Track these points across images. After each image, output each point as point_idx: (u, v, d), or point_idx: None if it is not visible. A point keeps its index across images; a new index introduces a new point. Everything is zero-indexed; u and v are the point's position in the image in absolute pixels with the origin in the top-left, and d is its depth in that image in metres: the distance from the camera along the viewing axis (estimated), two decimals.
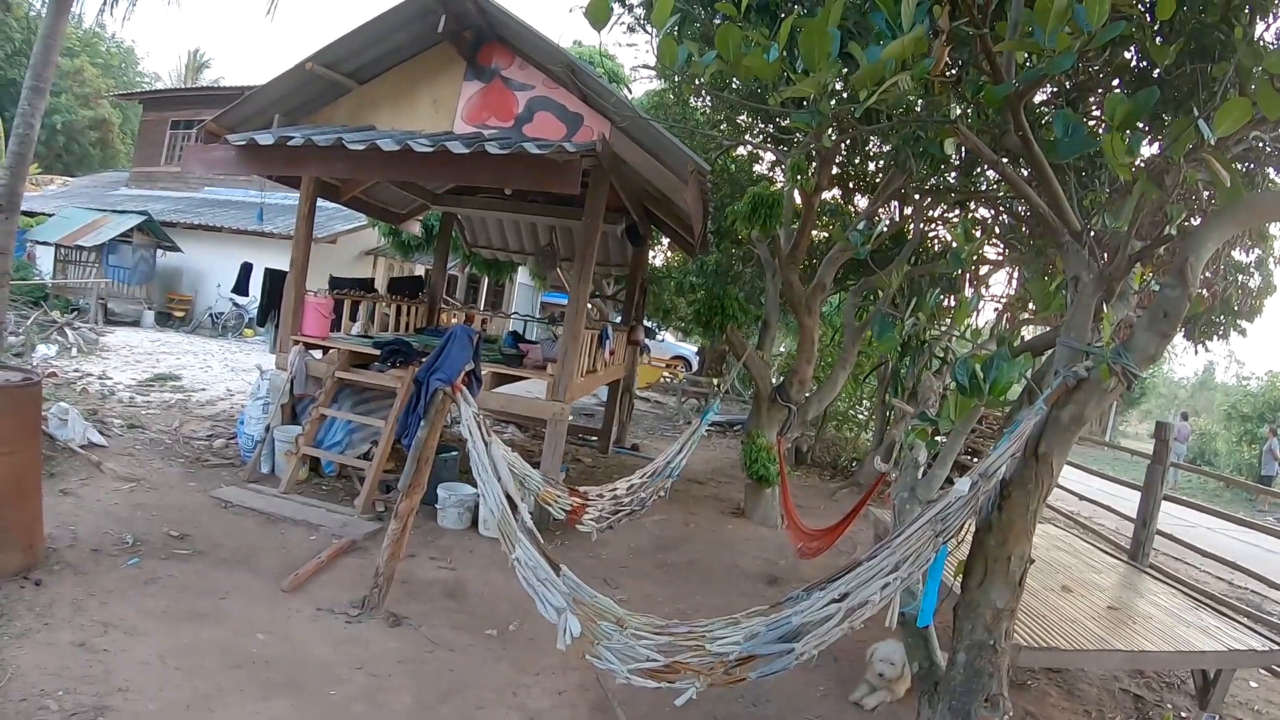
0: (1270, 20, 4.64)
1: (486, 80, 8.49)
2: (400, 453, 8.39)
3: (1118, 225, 4.12)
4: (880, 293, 10.81)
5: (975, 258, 10.15)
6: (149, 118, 28.17)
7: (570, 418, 8.92)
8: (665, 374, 26.27)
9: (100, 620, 5.07)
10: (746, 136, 11.72)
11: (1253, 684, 7.50)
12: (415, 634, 5.72)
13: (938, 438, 5.09)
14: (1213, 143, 3.27)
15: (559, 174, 7.22)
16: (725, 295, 10.19)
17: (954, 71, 5.09)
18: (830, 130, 4.59)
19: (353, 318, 10.32)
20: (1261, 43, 3.81)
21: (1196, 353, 23.23)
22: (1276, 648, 6.01)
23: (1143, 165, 3.49)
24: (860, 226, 8.94)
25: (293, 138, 7.70)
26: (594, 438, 14.02)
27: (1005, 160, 4.48)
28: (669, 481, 7.00)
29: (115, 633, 4.97)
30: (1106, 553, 8.49)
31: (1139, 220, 3.97)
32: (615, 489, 6.70)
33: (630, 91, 17.89)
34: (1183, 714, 6.53)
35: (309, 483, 8.69)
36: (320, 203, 9.74)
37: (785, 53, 3.04)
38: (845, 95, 5.32)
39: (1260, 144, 6.06)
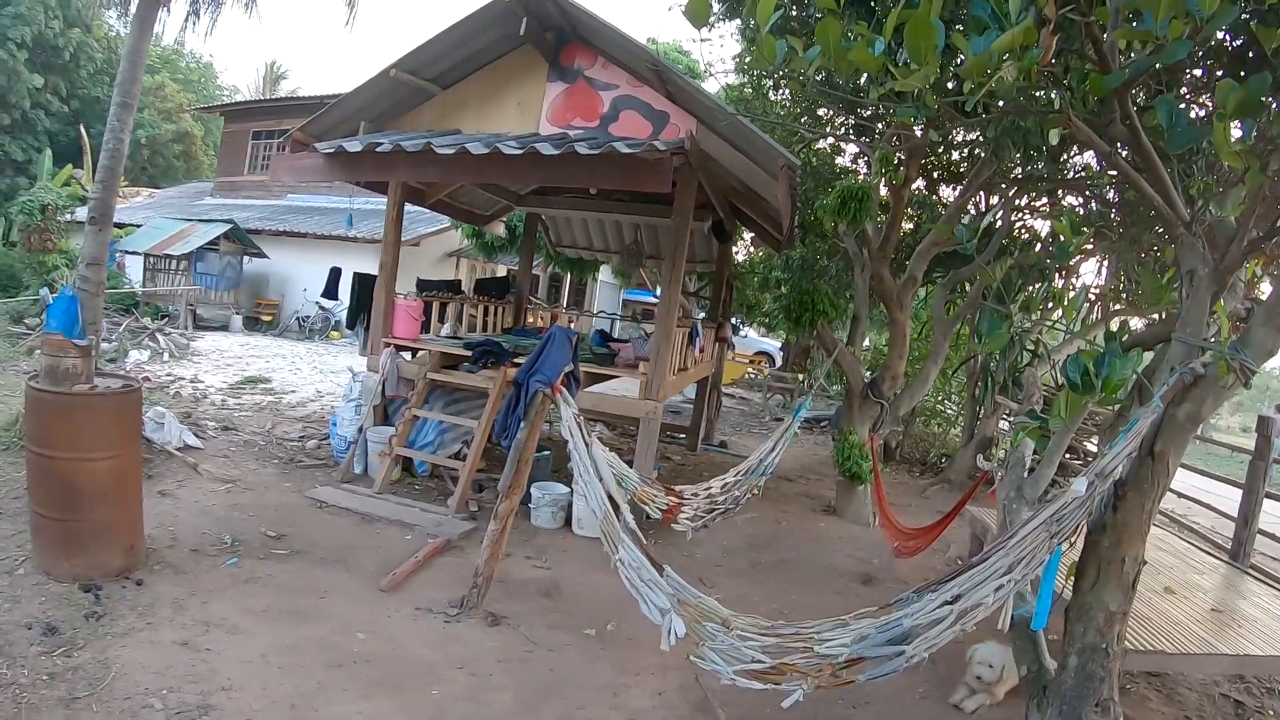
0: None
1: (570, 81, 8.52)
2: (491, 453, 8.48)
3: (1224, 215, 4.03)
4: (969, 285, 10.67)
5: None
6: (231, 129, 28.81)
7: None
8: (749, 370, 26.15)
9: (202, 619, 5.19)
10: (828, 129, 11.64)
11: None
12: (514, 633, 5.76)
13: (1044, 437, 4.99)
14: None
15: (649, 172, 7.23)
16: (815, 290, 10.12)
17: (1055, 60, 5.02)
18: (919, 123, 4.56)
19: (441, 319, 10.45)
20: None
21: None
22: None
23: (1250, 152, 3.37)
24: (965, 221, 8.82)
25: (381, 144, 7.78)
26: (682, 435, 14.06)
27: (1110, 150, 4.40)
28: (762, 480, 6.96)
29: (217, 632, 5.08)
30: (1207, 553, 8.28)
31: (1252, 211, 3.86)
32: (710, 488, 6.69)
33: (706, 87, 17.86)
34: None
35: (402, 483, 8.82)
36: (405, 206, 9.88)
37: (888, 46, 3.02)
38: (949, 87, 5.25)
39: None
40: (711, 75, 16.10)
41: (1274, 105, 3.89)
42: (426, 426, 8.91)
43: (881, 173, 9.40)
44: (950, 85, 5.25)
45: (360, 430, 8.97)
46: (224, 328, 20.63)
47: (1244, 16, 3.66)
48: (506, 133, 8.36)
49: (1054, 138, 4.29)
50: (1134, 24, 3.09)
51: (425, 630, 5.60)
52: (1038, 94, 4.72)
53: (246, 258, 22.24)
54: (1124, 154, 4.53)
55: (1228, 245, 3.92)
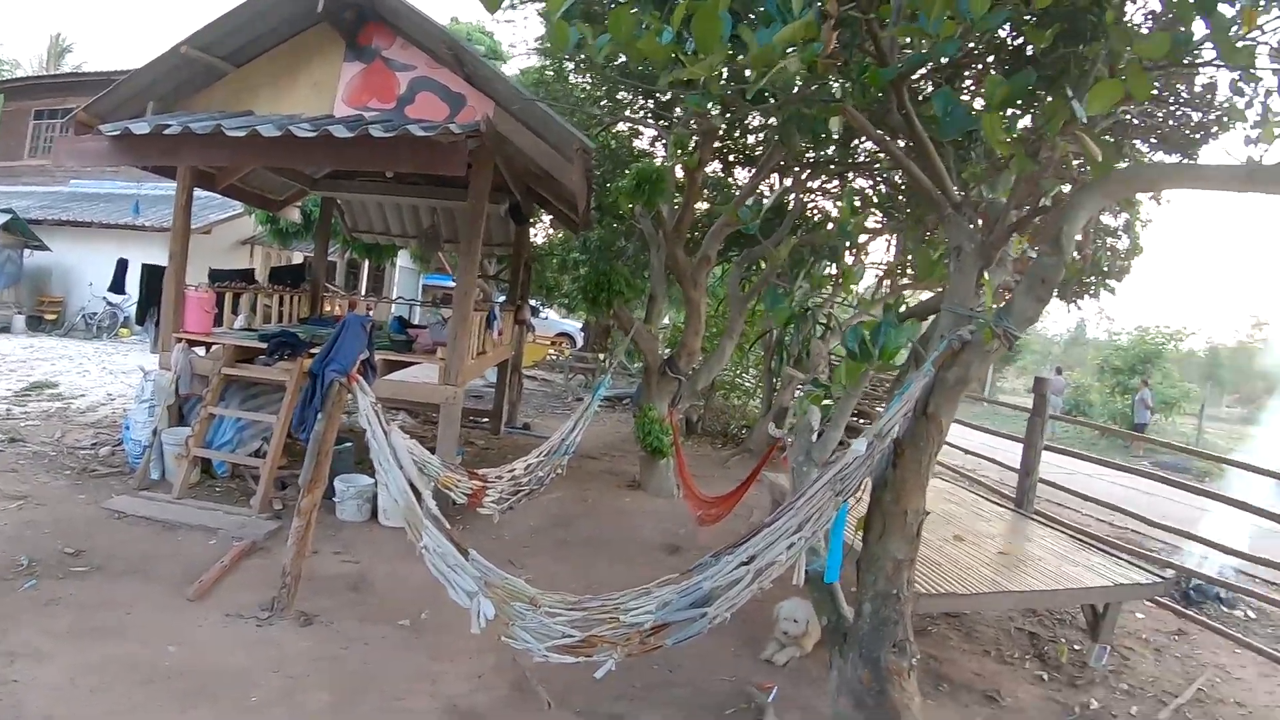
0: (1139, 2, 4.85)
1: (367, 61, 8.31)
2: (292, 448, 8.29)
3: (995, 197, 4.32)
4: (763, 264, 10.98)
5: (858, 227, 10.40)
6: (10, 108, 26.68)
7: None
8: (551, 351, 26.25)
9: (4, 650, 4.90)
10: (627, 113, 11.78)
11: (1139, 615, 7.93)
12: (327, 631, 5.68)
13: (828, 402, 5.24)
14: (1084, 121, 3.46)
15: (444, 156, 7.17)
16: (611, 271, 10.25)
17: (839, 52, 5.24)
18: (714, 108, 4.71)
19: (235, 311, 10.07)
20: (1131, 25, 4.00)
21: (1069, 311, 24.38)
22: (1159, 580, 6.40)
23: (1018, 140, 3.66)
24: (749, 202, 9.07)
25: (169, 126, 7.43)
26: (485, 419, 13.97)
27: (888, 137, 4.64)
28: (565, 459, 7.07)
29: (22, 661, 4.81)
30: (994, 502, 8.89)
31: (1016, 192, 4.16)
32: (513, 469, 6.75)
33: (507, 68, 17.76)
34: (1075, 646, 6.87)
35: (202, 485, 8.48)
36: (194, 191, 9.47)
37: (677, 35, 3.10)
38: (734, 76, 5.41)
39: (1128, 117, 6.35)
40: (515, 56, 16.07)
41: (1049, 98, 4.19)
42: (224, 425, 8.61)
43: (676, 156, 9.59)
44: (734, 75, 5.42)
45: (155, 433, 8.56)
46: (5, 329, 19.36)
47: (1026, 18, 3.95)
48: (301, 114, 8.07)
49: (835, 125, 4.51)
50: (912, 22, 3.27)
51: (237, 636, 5.46)
52: (822, 84, 4.92)
53: (27, 251, 20.72)
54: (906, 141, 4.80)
55: (995, 224, 4.21)
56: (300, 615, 5.81)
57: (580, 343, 28.20)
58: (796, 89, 4.32)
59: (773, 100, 4.43)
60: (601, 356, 22.58)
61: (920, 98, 6.36)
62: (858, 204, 9.97)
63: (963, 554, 6.47)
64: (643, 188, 8.82)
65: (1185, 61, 4.45)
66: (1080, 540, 7.40)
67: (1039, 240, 4.47)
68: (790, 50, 3.08)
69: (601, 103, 11.58)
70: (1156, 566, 7.46)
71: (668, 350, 11.14)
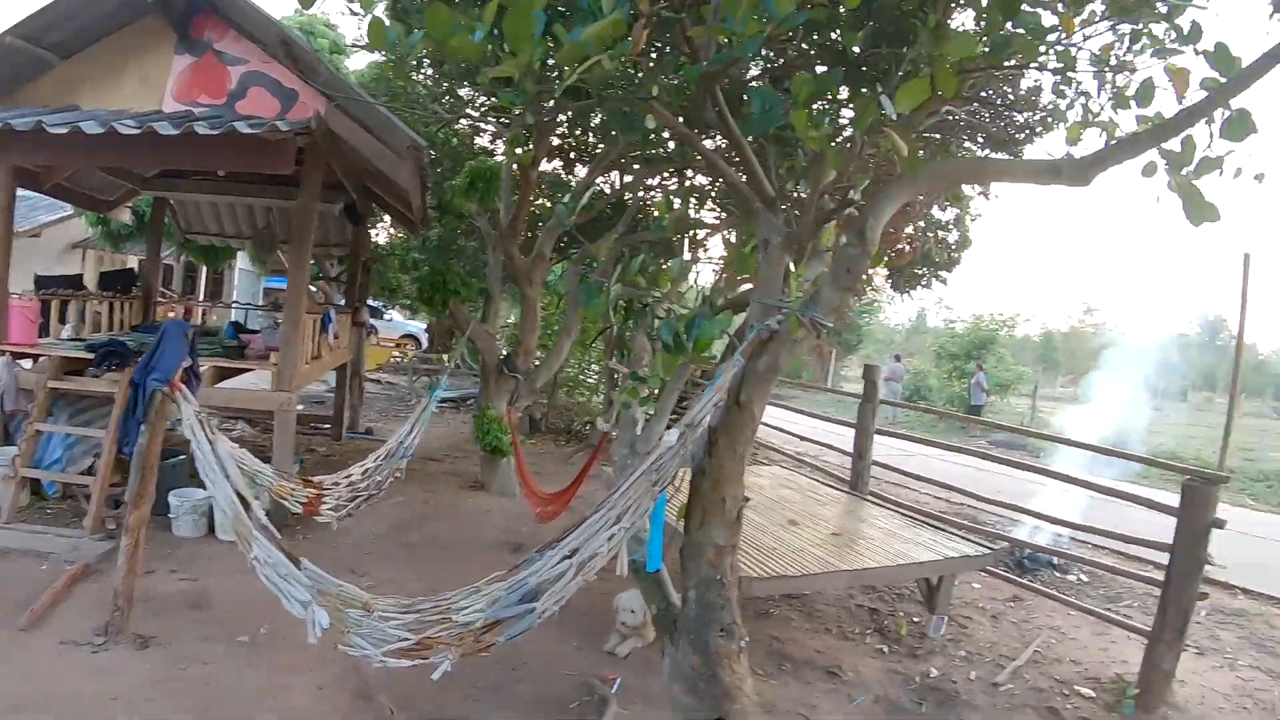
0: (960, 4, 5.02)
1: (198, 54, 8.02)
2: (126, 464, 8.01)
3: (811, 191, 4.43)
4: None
5: (689, 222, 10.49)
6: None
7: (301, 407, 8.70)
8: (395, 354, 25.84)
9: None
10: (469, 110, 11.67)
11: (975, 585, 8.25)
12: (166, 652, 5.50)
13: (649, 394, 5.30)
14: (894, 118, 3.58)
15: (271, 154, 7.01)
16: (447, 270, 10.18)
17: (656, 51, 5.31)
18: (548, 105, 4.70)
19: (62, 320, 9.62)
20: (943, 26, 4.15)
21: (903, 301, 25.22)
22: (987, 551, 6.68)
23: (826, 137, 3.76)
24: (566, 199, 9.09)
25: None
26: (327, 425, 13.65)
27: (699, 133, 4.72)
28: (403, 462, 6.97)
29: None
30: (831, 486, 9.13)
31: (826, 186, 4.29)
32: (350, 475, 6.64)
33: (352, 62, 17.42)
34: (915, 619, 7.11)
35: (32, 508, 7.99)
36: (21, 192, 9.00)
37: (492, 32, 3.09)
38: (551, 74, 5.42)
39: (955, 117, 6.57)
40: (359, 51, 15.79)
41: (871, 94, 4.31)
42: (53, 442, 8.20)
43: (512, 153, 9.56)
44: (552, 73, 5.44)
45: None
46: None
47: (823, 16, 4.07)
48: (128, 110, 7.73)
49: (650, 122, 4.55)
50: (722, 22, 3.32)
51: (74, 664, 5.24)
52: (639, 82, 4.97)
53: None
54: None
55: (802, 217, 4.32)
56: (137, 638, 5.61)
57: (425, 344, 27.87)
58: (612, 86, 4.38)
59: (588, 97, 4.45)
60: (445, 357, 22.38)
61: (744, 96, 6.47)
62: (676, 201, 10.05)
63: (796, 537, 6.64)
64: (477, 185, 8.79)
65: (1006, 64, 4.68)
66: (913, 518, 7.68)
67: (848, 233, 4.59)
68: (600, 48, 3.10)
69: (443, 99, 11.46)
70: (988, 539, 7.75)
71: (506, 349, 11.08)
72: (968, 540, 6.97)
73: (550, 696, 5.38)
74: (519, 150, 9.55)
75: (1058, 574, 8.98)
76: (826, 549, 6.38)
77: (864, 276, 4.20)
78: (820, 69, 5.94)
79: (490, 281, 10.92)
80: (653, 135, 7.88)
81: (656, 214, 11.14)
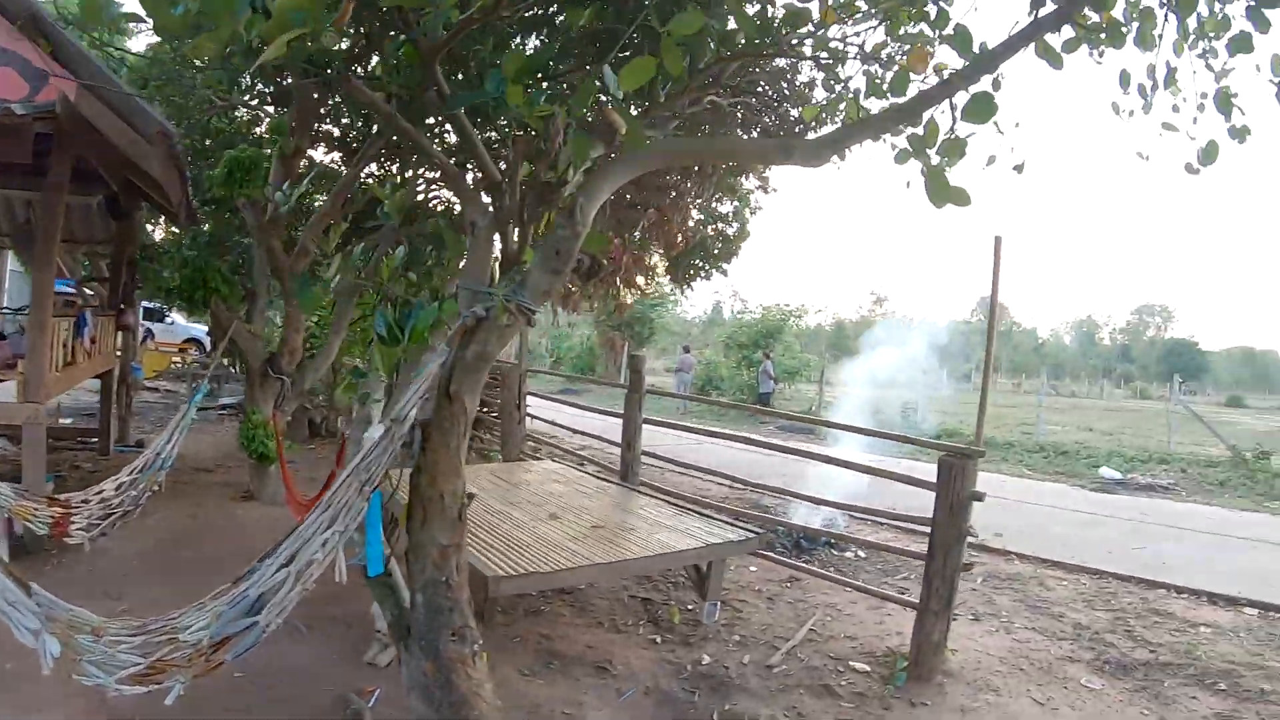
0: None
1: None
2: None
3: (553, 175, 4.29)
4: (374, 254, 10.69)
5: (421, 208, 10.27)
6: None
7: (68, 420, 8.07)
8: (176, 360, 24.64)
9: None
10: (246, 95, 11.12)
11: (752, 569, 8.28)
12: None
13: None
14: (619, 96, 3.48)
15: (8, 140, 6.51)
16: (208, 267, 9.67)
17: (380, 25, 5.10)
18: (246, 84, 4.49)
19: None
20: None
21: (685, 293, 25.72)
22: (751, 536, 6.66)
23: (540, 116, 3.66)
24: (285, 187, 8.72)
25: None
26: (94, 439, 12.69)
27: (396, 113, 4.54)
28: (162, 474, 6.51)
29: None
30: (601, 478, 9.00)
31: (540, 166, 4.16)
32: (102, 491, 6.14)
33: (134, 43, 16.33)
34: (689, 607, 7.06)
35: None
36: None
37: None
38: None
39: (729, 108, 6.54)
40: (140, 33, 14.81)
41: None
42: None
43: (274, 141, 9.14)
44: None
45: None
46: None
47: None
48: None
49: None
50: None
51: None
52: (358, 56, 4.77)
53: None
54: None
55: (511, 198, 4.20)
56: None
57: (210, 348, 26.52)
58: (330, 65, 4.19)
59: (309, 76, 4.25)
60: (226, 361, 21.45)
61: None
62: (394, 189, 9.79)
63: (555, 532, 6.48)
64: (235, 175, 8.35)
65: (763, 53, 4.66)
66: (680, 507, 7.62)
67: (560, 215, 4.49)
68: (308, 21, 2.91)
69: (219, 84, 10.87)
70: (762, 524, 7.89)
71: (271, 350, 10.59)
72: (733, 526, 6.96)
73: (307, 713, 5.10)
74: (279, 138, 9.15)
75: (835, 552, 9.15)
76: (584, 542, 6.24)
77: (606, 267, 4.10)
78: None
79: (256, 278, 10.41)
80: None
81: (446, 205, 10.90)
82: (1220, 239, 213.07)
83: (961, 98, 3.86)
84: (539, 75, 3.81)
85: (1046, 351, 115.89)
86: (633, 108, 5.10)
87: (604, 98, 3.91)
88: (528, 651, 6.03)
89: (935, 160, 3.97)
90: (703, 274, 13.85)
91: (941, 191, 3.82)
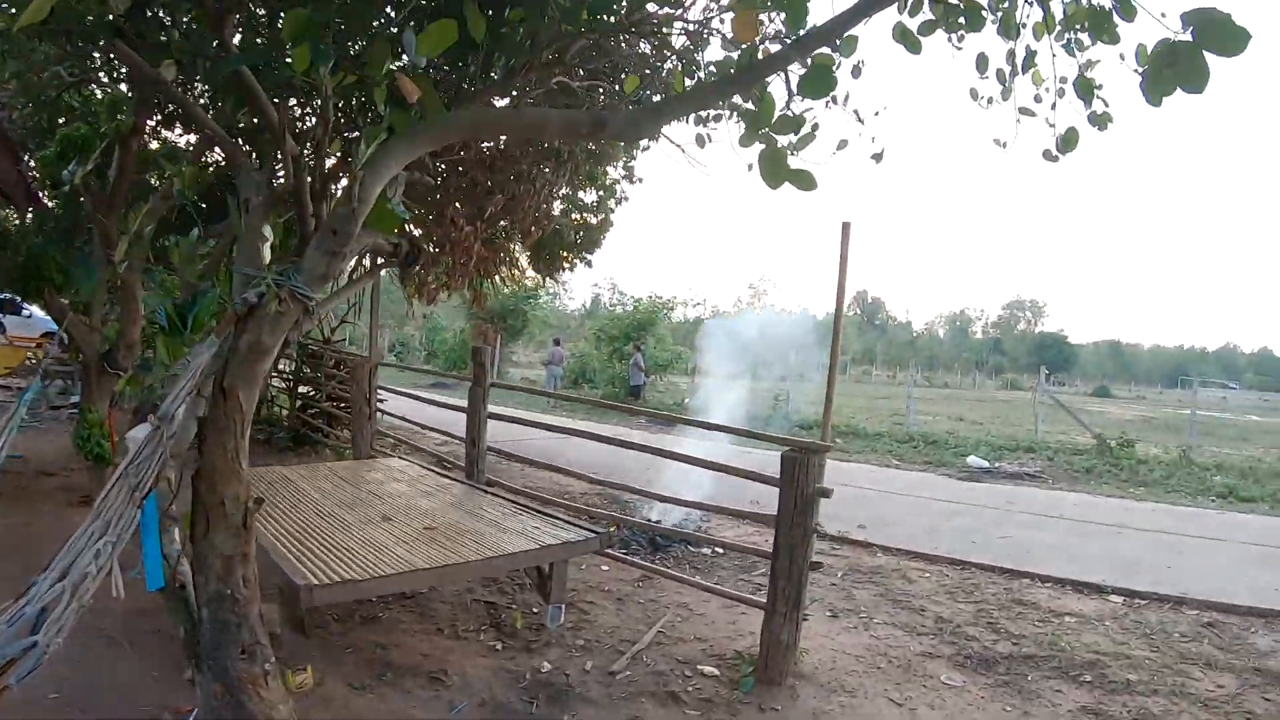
0: None
1: None
2: None
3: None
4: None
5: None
6: None
7: None
8: (30, 355, 23.32)
9: None
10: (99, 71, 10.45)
11: (604, 568, 7.99)
12: None
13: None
14: (417, 63, 3.21)
15: None
16: (43, 255, 9.02)
17: None
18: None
19: None
20: None
21: (544, 282, 25.64)
22: (591, 536, 6.30)
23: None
24: (73, 165, 8.18)
25: None
26: None
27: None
28: None
29: None
30: (448, 477, 8.49)
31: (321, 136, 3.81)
32: None
33: None
34: (534, 610, 6.73)
35: None
36: None
37: None
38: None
39: (580, 89, 6.26)
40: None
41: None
42: None
43: (109, 118, 8.56)
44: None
45: None
46: None
47: None
48: None
49: (167, 71, 3.99)
50: None
51: None
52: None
53: None
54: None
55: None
56: None
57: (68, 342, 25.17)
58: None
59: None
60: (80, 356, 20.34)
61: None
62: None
63: (385, 535, 6.04)
64: (68, 156, 7.78)
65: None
66: (521, 506, 7.21)
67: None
68: None
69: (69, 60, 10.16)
70: (614, 522, 7.82)
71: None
72: (574, 526, 6.58)
73: None
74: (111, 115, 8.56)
75: (692, 549, 8.89)
76: (413, 546, 5.79)
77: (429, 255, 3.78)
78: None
79: (94, 264, 9.77)
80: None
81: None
82: (1089, 236, 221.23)
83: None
84: (334, 40, 3.46)
85: (921, 345, 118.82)
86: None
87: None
88: (360, 662, 5.64)
89: (773, 139, 3.74)
90: (567, 264, 13.60)
91: (776, 171, 3.60)
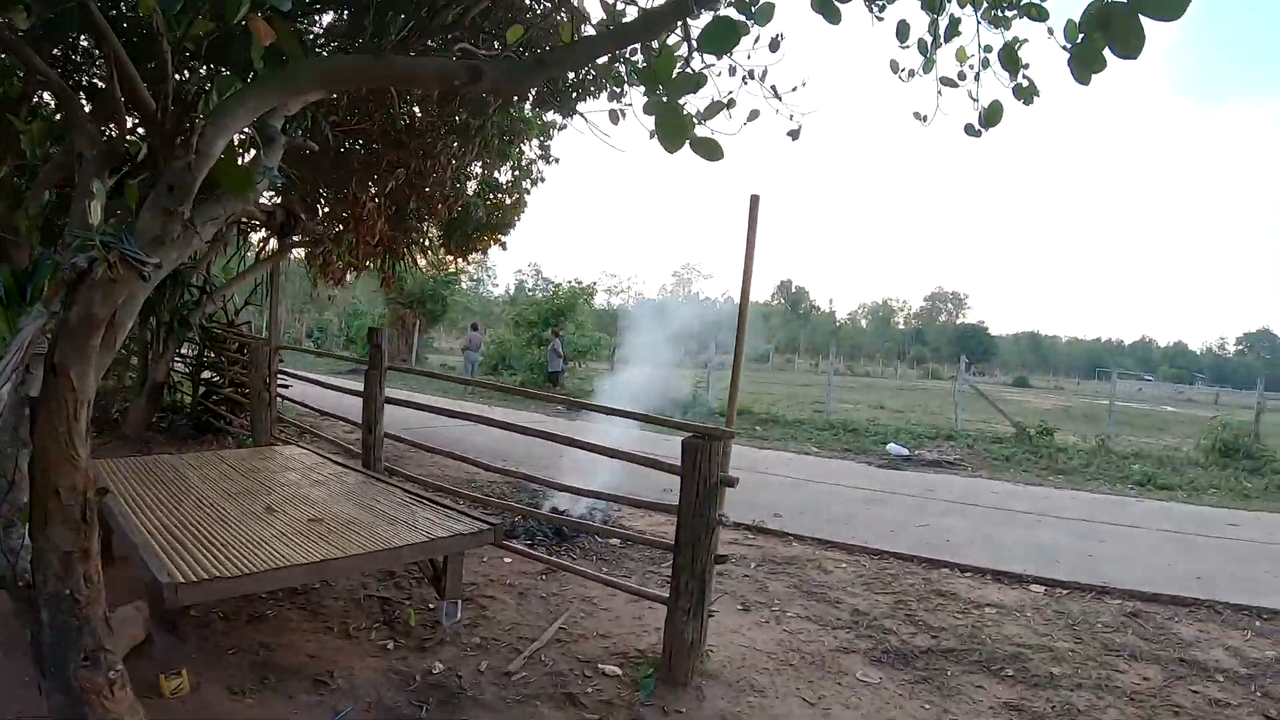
0: None
1: None
2: None
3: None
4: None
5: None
6: None
7: None
8: None
9: None
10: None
11: (507, 560, 7.62)
12: None
13: None
14: (280, 6, 2.88)
15: None
16: None
17: None
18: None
19: None
20: None
21: (467, 267, 25.30)
22: (485, 528, 5.91)
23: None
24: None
25: None
26: None
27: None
28: None
29: None
30: (345, 465, 7.97)
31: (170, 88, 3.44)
32: None
33: None
34: (430, 605, 6.34)
35: None
36: None
37: None
38: None
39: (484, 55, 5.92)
40: None
41: None
42: None
43: None
44: None
45: None
46: None
47: None
48: None
49: (19, 20, 3.60)
50: None
51: None
52: None
53: None
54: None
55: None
56: None
57: None
58: None
59: None
60: None
61: None
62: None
63: (265, 527, 5.58)
64: None
65: None
66: (416, 496, 6.78)
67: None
68: None
69: None
70: (517, 512, 7.64)
71: None
72: (469, 517, 6.17)
73: None
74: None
75: (599, 539, 8.54)
76: (294, 540, 5.34)
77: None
78: None
79: None
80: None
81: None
82: (1010, 229, 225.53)
83: None
84: None
85: (844, 334, 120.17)
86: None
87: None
88: (243, 665, 5.24)
89: (671, 99, 3.44)
90: (480, 246, 13.29)
91: (674, 132, 3.30)
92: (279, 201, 9.36)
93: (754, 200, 5.32)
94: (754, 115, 4.94)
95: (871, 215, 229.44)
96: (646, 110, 3.43)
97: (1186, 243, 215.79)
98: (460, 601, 6.11)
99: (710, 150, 3.39)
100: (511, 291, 64.93)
